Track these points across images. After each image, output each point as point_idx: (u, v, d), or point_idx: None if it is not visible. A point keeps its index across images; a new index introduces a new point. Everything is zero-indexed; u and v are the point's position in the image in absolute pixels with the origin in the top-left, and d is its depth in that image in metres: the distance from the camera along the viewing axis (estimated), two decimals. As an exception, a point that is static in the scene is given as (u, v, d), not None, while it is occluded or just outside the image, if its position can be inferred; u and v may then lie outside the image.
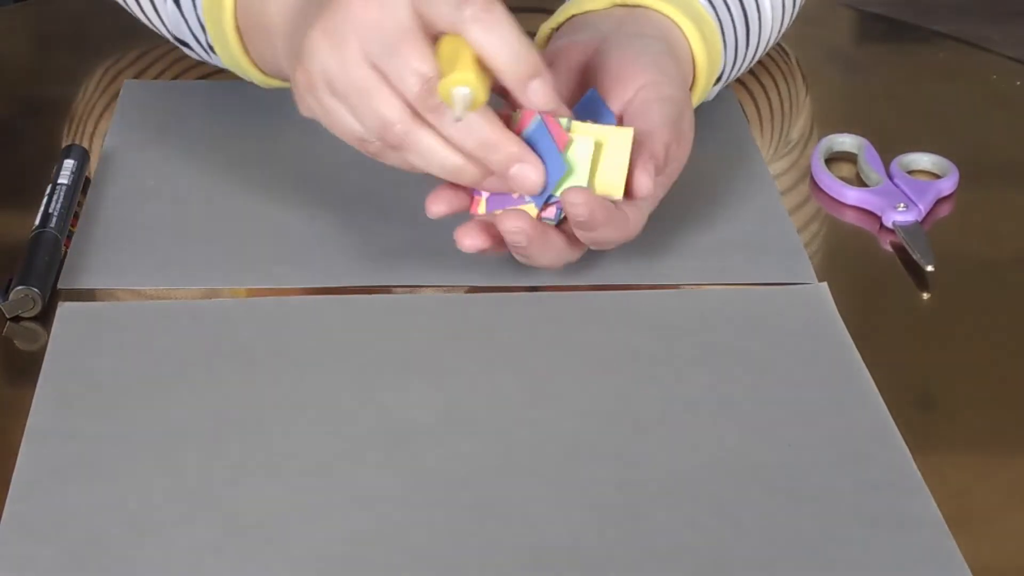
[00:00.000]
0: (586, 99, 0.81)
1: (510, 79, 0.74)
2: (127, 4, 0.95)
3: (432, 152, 0.75)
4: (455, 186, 0.77)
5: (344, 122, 0.76)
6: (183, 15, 0.90)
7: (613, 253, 0.82)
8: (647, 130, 0.78)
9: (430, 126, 0.74)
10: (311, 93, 0.76)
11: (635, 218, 0.78)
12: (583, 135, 0.76)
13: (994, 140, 0.97)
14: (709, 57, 0.87)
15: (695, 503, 0.66)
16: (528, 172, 0.75)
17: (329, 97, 0.75)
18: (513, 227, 0.75)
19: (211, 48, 0.89)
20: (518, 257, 0.78)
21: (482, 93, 0.72)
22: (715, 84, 0.91)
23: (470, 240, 0.77)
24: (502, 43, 0.73)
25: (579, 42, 0.84)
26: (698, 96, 0.88)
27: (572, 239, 0.78)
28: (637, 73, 0.81)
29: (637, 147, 0.78)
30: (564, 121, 0.76)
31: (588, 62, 0.83)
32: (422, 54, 0.73)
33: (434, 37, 0.74)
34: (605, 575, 0.63)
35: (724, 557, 0.64)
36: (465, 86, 0.72)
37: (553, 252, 0.77)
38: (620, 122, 0.80)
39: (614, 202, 0.77)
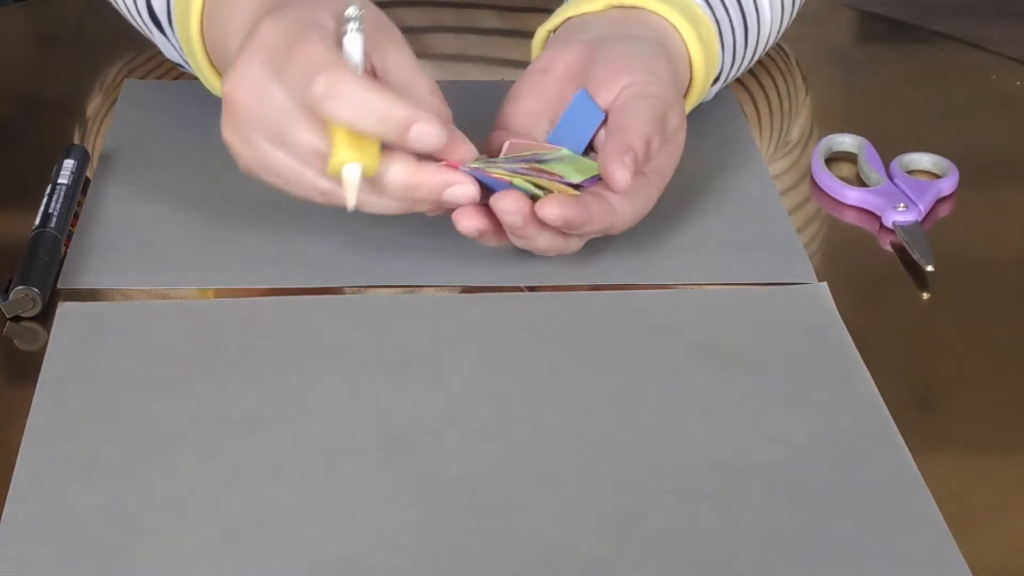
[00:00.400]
0: (576, 100, 0.81)
1: (387, 139, 0.74)
2: (135, 24, 0.96)
3: (376, 205, 0.76)
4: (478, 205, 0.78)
5: (300, 194, 0.77)
6: (171, 43, 0.91)
7: (612, 253, 0.82)
8: (624, 123, 0.79)
9: None
10: (258, 179, 0.78)
11: (622, 207, 0.78)
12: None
13: (994, 140, 0.97)
14: (706, 58, 0.87)
15: (695, 503, 0.66)
16: (459, 191, 0.76)
17: (273, 179, 0.77)
18: (509, 207, 0.75)
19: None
20: (515, 241, 0.78)
21: (371, 160, 0.73)
22: (713, 85, 0.91)
23: (467, 221, 0.77)
24: (360, 112, 0.72)
25: (575, 45, 0.84)
26: (695, 97, 0.88)
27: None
28: (625, 73, 0.81)
29: (613, 141, 0.78)
30: (497, 171, 0.77)
31: (584, 65, 0.83)
32: (308, 132, 0.74)
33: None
34: (605, 574, 0.63)
35: (724, 557, 0.64)
36: (350, 163, 0.72)
37: (548, 235, 0.78)
38: (607, 120, 0.80)
39: (594, 192, 0.77)
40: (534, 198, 0.77)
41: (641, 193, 0.80)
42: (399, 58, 0.77)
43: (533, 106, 0.83)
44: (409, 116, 0.73)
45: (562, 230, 0.77)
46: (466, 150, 0.76)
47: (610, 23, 0.86)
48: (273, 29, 0.75)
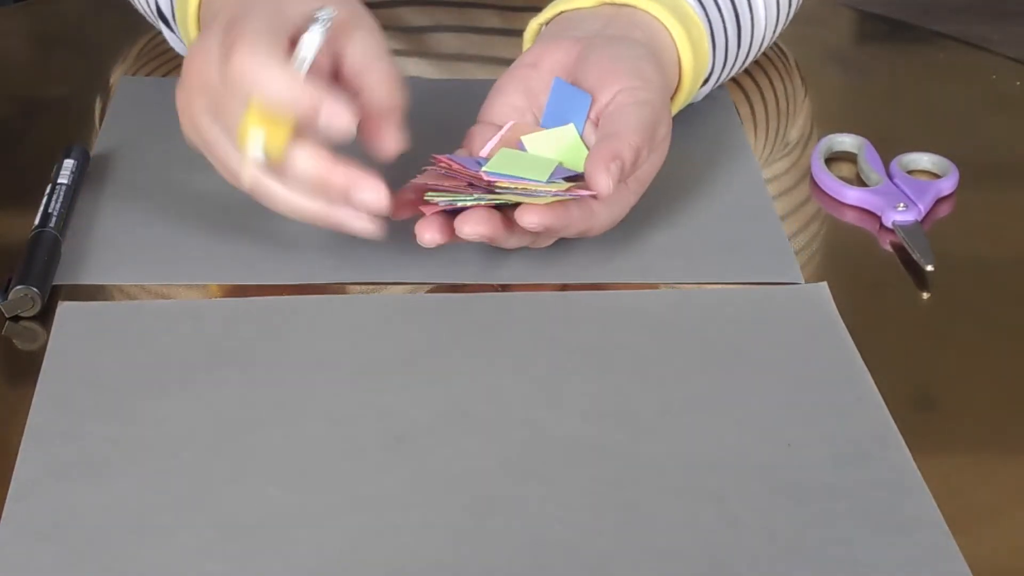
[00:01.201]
0: (555, 88, 0.81)
1: (300, 116, 0.74)
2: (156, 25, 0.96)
3: (281, 200, 0.77)
4: (444, 215, 0.78)
5: (226, 176, 0.79)
6: (178, 38, 0.92)
7: (603, 252, 0.82)
8: (616, 130, 0.79)
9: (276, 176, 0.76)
10: (195, 150, 0.80)
11: (600, 211, 0.79)
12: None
13: (994, 140, 0.97)
14: (695, 58, 0.87)
15: (695, 503, 0.66)
16: (368, 196, 0.75)
17: (207, 152, 0.79)
18: (474, 233, 0.76)
19: None
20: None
21: (276, 136, 0.74)
22: (704, 85, 0.91)
23: (429, 235, 0.77)
24: (273, 87, 0.74)
25: (564, 41, 0.85)
26: (684, 97, 0.88)
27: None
28: (616, 79, 0.81)
29: (602, 147, 0.78)
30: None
31: (572, 64, 0.83)
32: (239, 109, 0.75)
33: None
34: (605, 574, 0.63)
35: (724, 556, 0.64)
36: (254, 128, 0.74)
37: (518, 237, 0.79)
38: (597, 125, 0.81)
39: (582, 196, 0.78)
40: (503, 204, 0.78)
41: (620, 199, 0.80)
42: (357, 48, 0.79)
43: (518, 100, 0.83)
44: (317, 96, 0.74)
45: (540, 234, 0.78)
46: (391, 140, 0.77)
47: (601, 20, 0.86)
48: (232, 6, 0.77)
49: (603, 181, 0.77)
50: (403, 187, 0.79)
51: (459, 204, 0.77)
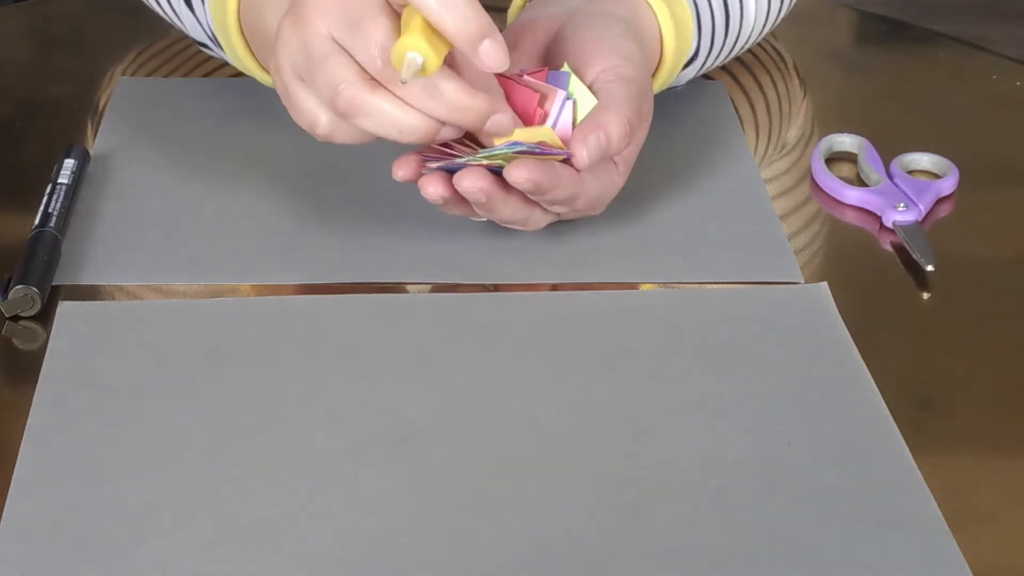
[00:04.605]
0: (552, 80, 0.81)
1: (460, 42, 0.74)
2: (150, 4, 0.96)
3: (384, 113, 0.75)
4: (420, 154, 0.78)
5: (299, 101, 0.77)
6: (197, 19, 0.91)
7: (609, 251, 0.82)
8: (603, 104, 0.79)
9: (386, 90, 0.75)
10: (279, 78, 0.78)
11: (589, 180, 0.79)
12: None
13: (994, 140, 0.97)
14: (678, 37, 0.87)
15: (695, 503, 0.66)
16: (501, 120, 0.77)
17: (291, 79, 0.77)
18: (472, 186, 0.76)
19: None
20: (479, 211, 0.79)
21: (433, 58, 0.73)
22: (688, 67, 0.90)
23: (433, 188, 0.77)
24: (449, 7, 0.73)
25: (545, 17, 0.85)
26: (665, 75, 0.88)
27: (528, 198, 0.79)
28: (596, 57, 0.81)
29: (587, 120, 0.78)
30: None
31: (552, 41, 0.83)
32: (384, 27, 0.74)
33: (398, 12, 0.75)
34: (605, 574, 0.63)
35: (723, 556, 0.64)
36: (414, 51, 0.73)
37: (513, 205, 0.79)
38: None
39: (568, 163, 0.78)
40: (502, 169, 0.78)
41: (606, 177, 0.80)
42: None
43: None
44: (488, 27, 0.74)
45: (529, 195, 0.78)
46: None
47: None
48: None
49: (580, 153, 0.77)
50: (405, 154, 0.79)
51: (457, 162, 0.77)
